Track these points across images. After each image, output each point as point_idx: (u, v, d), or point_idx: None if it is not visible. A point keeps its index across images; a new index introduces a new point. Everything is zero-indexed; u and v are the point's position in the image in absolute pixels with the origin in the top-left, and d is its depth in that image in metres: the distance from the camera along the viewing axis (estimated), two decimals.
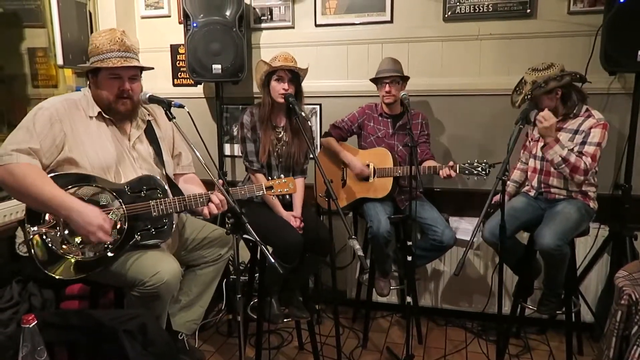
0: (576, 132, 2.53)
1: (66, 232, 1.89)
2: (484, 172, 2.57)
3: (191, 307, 2.34)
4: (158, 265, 1.92)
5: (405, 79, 2.85)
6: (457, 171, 2.61)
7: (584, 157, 2.44)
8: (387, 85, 2.80)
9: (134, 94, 2.04)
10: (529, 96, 2.47)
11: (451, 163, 2.63)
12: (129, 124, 2.12)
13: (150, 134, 2.17)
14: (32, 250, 1.86)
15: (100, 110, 2.02)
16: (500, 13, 2.99)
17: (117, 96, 2.01)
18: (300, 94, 2.63)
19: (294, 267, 2.41)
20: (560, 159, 2.42)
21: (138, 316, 1.81)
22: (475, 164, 2.58)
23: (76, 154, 1.93)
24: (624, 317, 1.94)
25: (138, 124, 2.14)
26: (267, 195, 2.51)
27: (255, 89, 3.33)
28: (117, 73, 1.99)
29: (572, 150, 2.47)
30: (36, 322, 1.48)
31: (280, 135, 2.66)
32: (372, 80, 2.88)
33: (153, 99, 2.04)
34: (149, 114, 2.21)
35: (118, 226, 1.93)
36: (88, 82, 2.09)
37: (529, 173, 2.78)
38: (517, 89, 2.62)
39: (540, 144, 2.65)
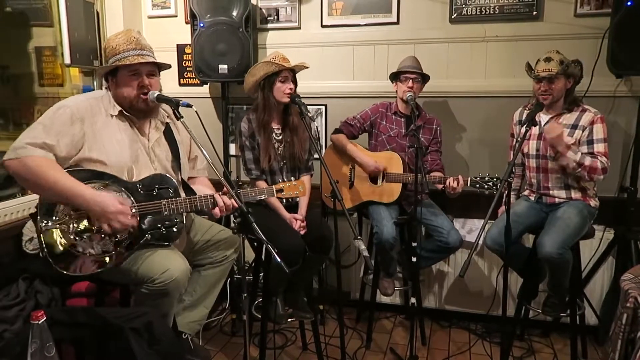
0: (575, 126, 2.55)
1: (78, 227, 1.91)
2: (494, 187, 2.53)
3: (195, 307, 2.35)
4: (168, 263, 1.94)
5: (426, 79, 2.84)
6: (468, 184, 2.58)
7: (599, 157, 2.45)
8: (411, 81, 2.77)
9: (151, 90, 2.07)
10: (567, 68, 2.47)
11: (460, 177, 2.59)
12: (147, 125, 2.14)
13: (169, 136, 2.19)
14: (43, 246, 1.88)
15: (121, 109, 2.05)
16: (506, 15, 3.00)
17: (138, 93, 2.04)
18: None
19: (297, 268, 2.42)
20: (575, 164, 2.44)
21: (144, 314, 1.82)
22: (487, 179, 2.55)
23: (95, 153, 1.96)
24: (630, 320, 1.94)
25: (157, 125, 2.17)
26: (270, 198, 2.52)
27: None
28: (135, 69, 2.03)
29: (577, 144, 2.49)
30: (45, 318, 1.49)
31: (280, 137, 2.67)
32: (393, 74, 2.85)
33: (161, 99, 2.05)
34: (167, 116, 2.23)
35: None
36: (107, 85, 2.12)
37: (526, 172, 2.79)
38: (540, 60, 2.58)
39: (533, 142, 2.66)
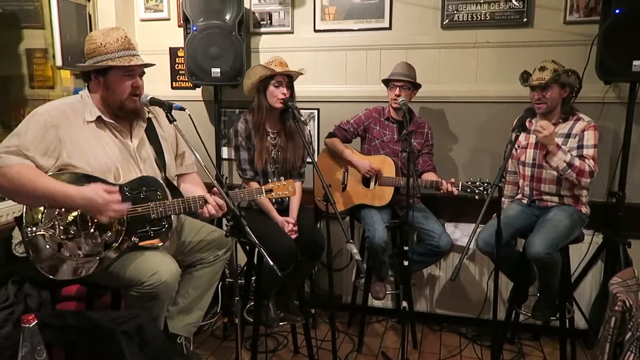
0: (568, 135, 2.58)
1: (64, 232, 1.89)
2: (485, 193, 2.54)
3: (190, 310, 2.32)
4: (157, 265, 1.92)
5: (417, 86, 2.85)
6: (459, 189, 2.60)
7: (586, 160, 2.48)
8: (398, 89, 2.79)
9: (142, 91, 2.06)
10: (558, 77, 2.50)
11: (453, 179, 2.62)
12: (129, 125, 2.11)
13: (152, 133, 2.16)
14: (30, 251, 1.85)
15: (99, 114, 2.01)
16: (497, 22, 3.03)
17: (130, 94, 2.02)
18: (294, 97, 2.65)
19: (289, 272, 2.43)
20: (565, 164, 2.45)
21: (135, 317, 1.81)
22: (478, 184, 2.57)
23: (75, 160, 1.92)
24: (618, 323, 1.96)
25: (139, 124, 2.14)
26: (262, 200, 2.51)
27: None
28: (131, 70, 2.00)
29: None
30: (36, 322, 1.48)
31: (275, 141, 2.67)
32: (384, 81, 2.88)
33: (154, 102, 2.05)
34: (149, 112, 2.20)
35: (117, 227, 1.94)
36: (86, 85, 2.08)
37: (520, 181, 2.81)
38: (536, 69, 2.61)
39: (530, 151, 2.69)
